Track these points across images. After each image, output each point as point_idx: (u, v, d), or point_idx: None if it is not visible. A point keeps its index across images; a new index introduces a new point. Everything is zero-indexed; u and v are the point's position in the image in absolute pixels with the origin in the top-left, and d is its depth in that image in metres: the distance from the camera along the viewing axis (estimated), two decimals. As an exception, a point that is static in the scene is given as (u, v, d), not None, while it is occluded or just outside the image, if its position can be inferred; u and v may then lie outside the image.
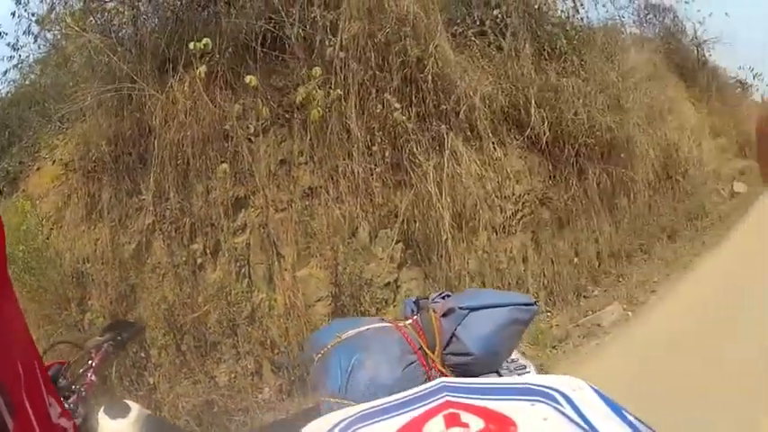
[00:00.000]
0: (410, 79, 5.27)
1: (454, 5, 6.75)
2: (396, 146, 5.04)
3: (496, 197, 5.73)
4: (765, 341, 4.16)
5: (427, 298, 2.00)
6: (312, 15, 4.95)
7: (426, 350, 1.75)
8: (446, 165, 5.17)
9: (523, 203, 6.06)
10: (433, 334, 1.78)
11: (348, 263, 4.52)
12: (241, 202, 4.52)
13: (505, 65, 6.38)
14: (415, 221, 4.92)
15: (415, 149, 5.06)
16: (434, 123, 5.34)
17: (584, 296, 6.31)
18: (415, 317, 1.88)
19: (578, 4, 7.92)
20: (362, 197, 4.74)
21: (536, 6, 7.36)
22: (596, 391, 0.90)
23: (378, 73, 5.08)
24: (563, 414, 0.82)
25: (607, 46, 8.26)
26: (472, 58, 6.24)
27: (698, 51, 14.31)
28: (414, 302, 2.01)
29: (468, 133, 5.69)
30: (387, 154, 4.95)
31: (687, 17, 14.05)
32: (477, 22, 6.72)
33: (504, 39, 6.63)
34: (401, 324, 1.84)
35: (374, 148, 4.90)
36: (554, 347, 5.03)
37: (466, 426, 0.80)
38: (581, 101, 6.70)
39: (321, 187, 4.71)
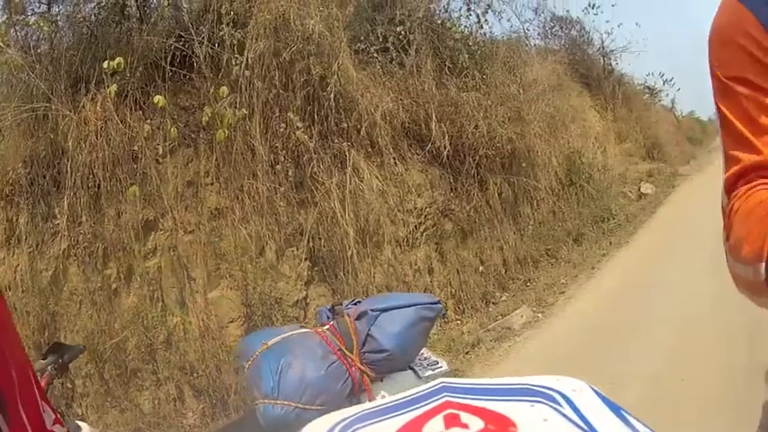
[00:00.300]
0: (313, 97, 5.56)
1: (358, 23, 7.06)
2: (299, 164, 5.31)
3: (399, 211, 6.06)
4: (671, 331, 4.66)
5: (341, 305, 2.25)
6: (221, 34, 5.16)
7: (345, 351, 2.00)
8: (348, 181, 5.47)
9: (426, 216, 6.40)
10: (350, 336, 2.03)
11: (258, 282, 4.72)
12: (151, 225, 4.63)
13: (407, 81, 6.75)
14: (320, 239, 5.18)
15: (317, 168, 5.36)
16: (336, 141, 5.65)
17: (492, 302, 6.68)
18: (331, 322, 2.13)
19: (482, 19, 8.47)
20: (268, 216, 4.96)
21: (439, 22, 7.83)
22: (596, 392, 0.93)
23: (282, 92, 5.35)
24: (563, 415, 0.85)
25: (509, 59, 8.76)
26: (374, 75, 6.57)
27: (604, 61, 15.29)
28: (329, 309, 2.26)
29: (370, 149, 6.01)
30: (290, 173, 5.22)
31: (595, 28, 15.10)
32: (381, 39, 7.06)
33: (406, 55, 7.00)
34: (320, 329, 2.09)
35: (278, 168, 5.15)
36: (467, 353, 5.36)
37: (466, 426, 0.82)
38: (481, 114, 7.12)
39: (228, 208, 4.89)
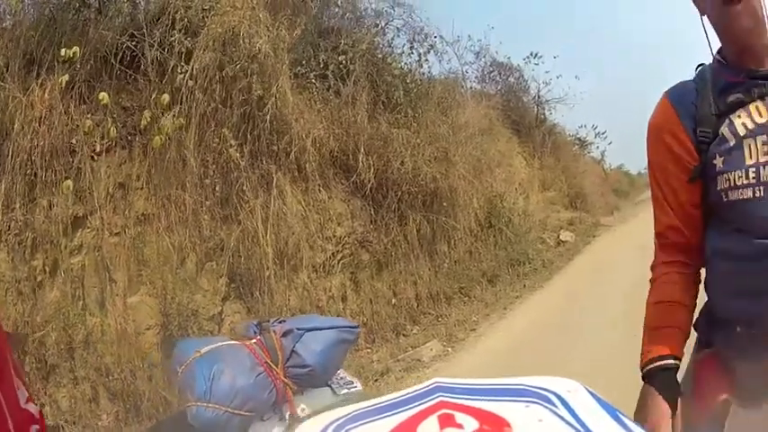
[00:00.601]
0: (249, 116, 5.88)
1: (302, 46, 7.39)
2: (227, 180, 5.62)
3: (318, 237, 6.42)
4: (578, 368, 4.96)
5: (268, 321, 2.51)
6: (171, 39, 5.41)
7: (271, 364, 2.26)
8: (273, 203, 5.80)
9: (344, 245, 6.78)
10: (276, 351, 2.29)
11: (176, 293, 4.93)
12: (79, 222, 4.72)
13: (340, 110, 7.18)
14: (240, 256, 5.46)
15: (244, 186, 5.67)
16: (265, 162, 5.98)
17: (403, 334, 7.08)
18: (258, 337, 2.38)
19: (423, 58, 9.05)
20: (192, 228, 5.20)
21: (381, 56, 8.34)
22: (591, 393, 0.96)
23: (220, 106, 5.65)
24: (558, 416, 0.87)
25: (444, 100, 9.37)
26: (311, 100, 6.96)
27: (538, 109, 16.25)
28: (256, 325, 2.52)
29: (297, 174, 6.37)
30: (217, 188, 5.51)
31: (534, 77, 16.05)
32: (322, 65, 7.47)
33: (344, 84, 7.42)
34: (247, 343, 2.34)
35: (206, 181, 5.44)
36: (376, 380, 5.70)
37: (460, 427, 0.84)
38: (409, 151, 7.61)
39: (154, 215, 5.09)
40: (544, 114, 16.60)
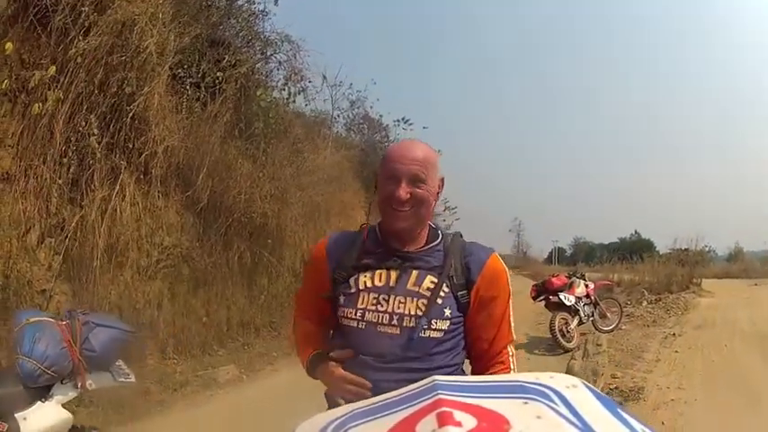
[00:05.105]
0: (117, 108, 6.73)
1: (190, 51, 8.25)
2: (82, 165, 6.40)
3: (147, 242, 7.23)
4: None
5: (76, 310, 3.51)
6: (82, 9, 6.12)
7: (72, 343, 3.29)
8: (113, 198, 6.63)
9: (168, 255, 7.67)
10: (76, 334, 3.32)
11: (18, 260, 5.55)
12: None
13: (200, 125, 8.08)
14: (76, 240, 6.21)
15: (95, 175, 6.47)
16: (118, 157, 6.81)
17: (209, 353, 7.93)
18: (68, 321, 3.40)
19: (291, 98, 10.14)
20: (42, 201, 5.89)
21: (255, 84, 9.35)
22: (590, 389, 1.06)
23: (96, 91, 6.43)
24: (557, 412, 0.95)
25: (299, 141, 10.51)
26: (177, 106, 7.85)
27: None
28: (68, 312, 3.53)
29: (142, 176, 7.19)
30: (72, 170, 6.27)
31: (397, 137, 17.55)
32: (200, 74, 8.38)
33: (212, 100, 8.37)
34: (60, 323, 3.35)
35: (64, 160, 6.18)
36: (175, 390, 6.50)
37: (459, 424, 0.91)
38: (248, 183, 8.56)
39: (15, 178, 5.71)
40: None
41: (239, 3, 9.73)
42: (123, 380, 3.53)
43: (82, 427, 3.54)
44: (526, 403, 0.99)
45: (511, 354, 1.97)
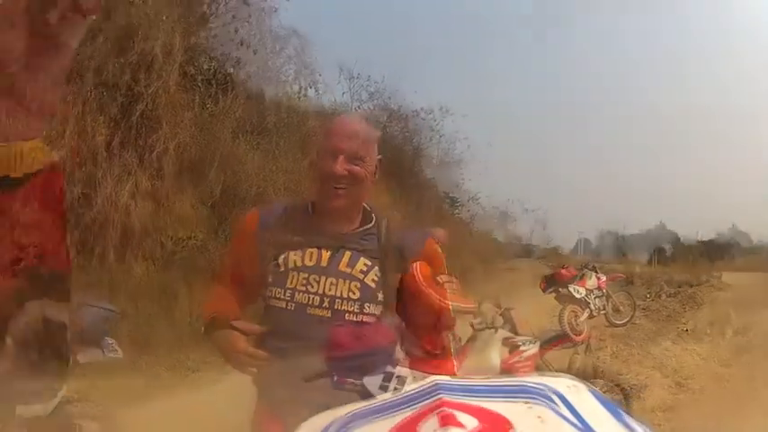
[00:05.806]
0: (127, 106, 7.06)
1: (200, 51, 8.57)
2: (95, 163, 6.77)
3: (162, 234, 7.54)
4: None
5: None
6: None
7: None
8: (126, 193, 6.97)
9: (183, 246, 7.83)
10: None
11: None
12: None
13: (210, 121, 8.36)
14: (92, 235, 6.59)
15: (107, 172, 6.83)
16: (130, 153, 7.14)
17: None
18: None
19: (302, 92, 10.39)
20: None
21: (267, 77, 9.62)
22: (592, 391, 1.07)
23: (104, 92, 6.76)
24: (559, 414, 0.96)
25: (315, 134, 10.27)
26: (189, 102, 8.12)
27: (414, 162, 17.30)
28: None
29: (155, 173, 7.50)
30: (85, 168, 6.66)
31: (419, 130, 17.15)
32: (211, 71, 8.65)
33: (224, 95, 8.61)
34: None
35: (77, 160, 6.52)
36: (186, 375, 6.65)
37: (461, 426, 0.91)
38: (261, 176, 8.79)
39: None
40: (420, 167, 17.87)
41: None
42: (112, 355, 3.78)
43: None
44: (529, 405, 1.00)
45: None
